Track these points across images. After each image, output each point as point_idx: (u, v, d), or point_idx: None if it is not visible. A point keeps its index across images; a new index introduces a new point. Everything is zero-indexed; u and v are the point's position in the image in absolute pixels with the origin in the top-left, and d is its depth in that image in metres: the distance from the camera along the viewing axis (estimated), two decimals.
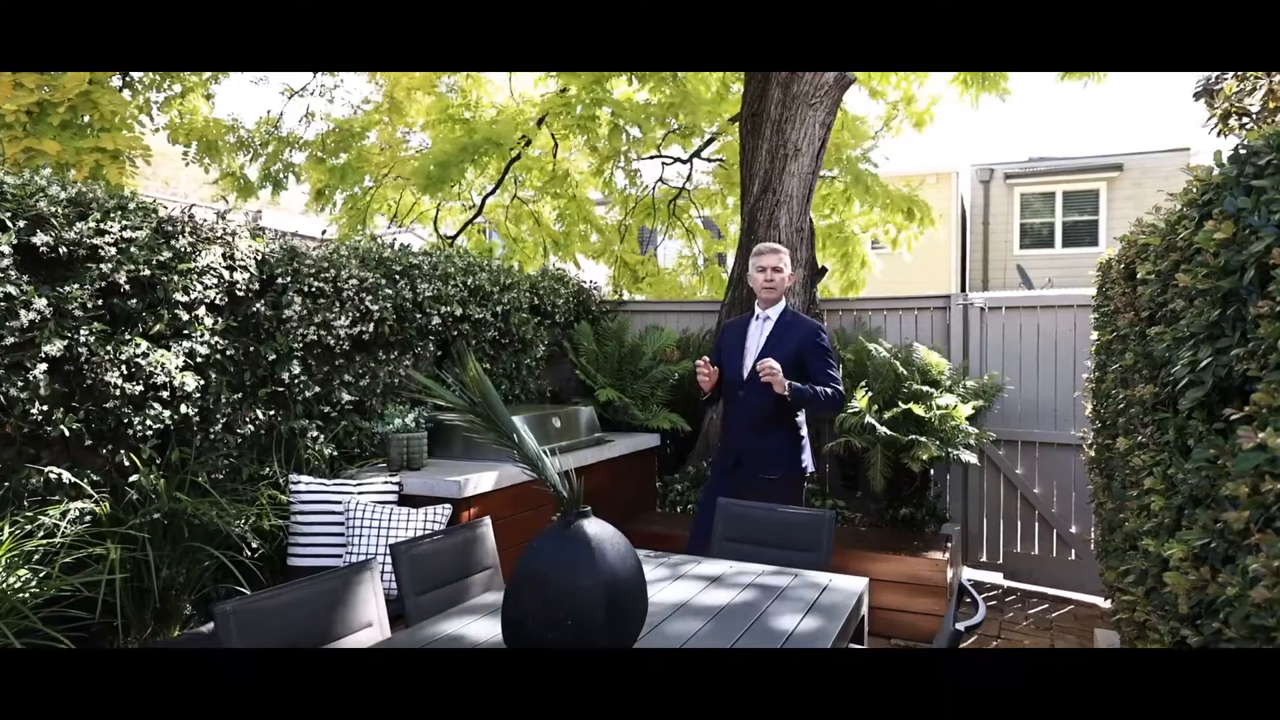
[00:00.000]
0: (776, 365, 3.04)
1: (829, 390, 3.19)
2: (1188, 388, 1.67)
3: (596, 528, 1.74)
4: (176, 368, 2.78)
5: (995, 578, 5.06)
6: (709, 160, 8.21)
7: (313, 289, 3.39)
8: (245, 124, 7.54)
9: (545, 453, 1.73)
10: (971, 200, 16.47)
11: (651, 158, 8.02)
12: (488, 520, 2.67)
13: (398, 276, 3.91)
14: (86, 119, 5.32)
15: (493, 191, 8.34)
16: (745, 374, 3.30)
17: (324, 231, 3.94)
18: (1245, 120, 4.18)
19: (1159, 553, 1.92)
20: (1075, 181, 15.70)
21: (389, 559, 2.77)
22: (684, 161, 8.00)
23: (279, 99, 7.60)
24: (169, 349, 2.81)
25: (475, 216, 8.56)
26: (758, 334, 3.34)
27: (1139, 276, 2.23)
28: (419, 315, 3.98)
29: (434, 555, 2.39)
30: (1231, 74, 4.21)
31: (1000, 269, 16.09)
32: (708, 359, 3.25)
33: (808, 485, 4.71)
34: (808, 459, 3.36)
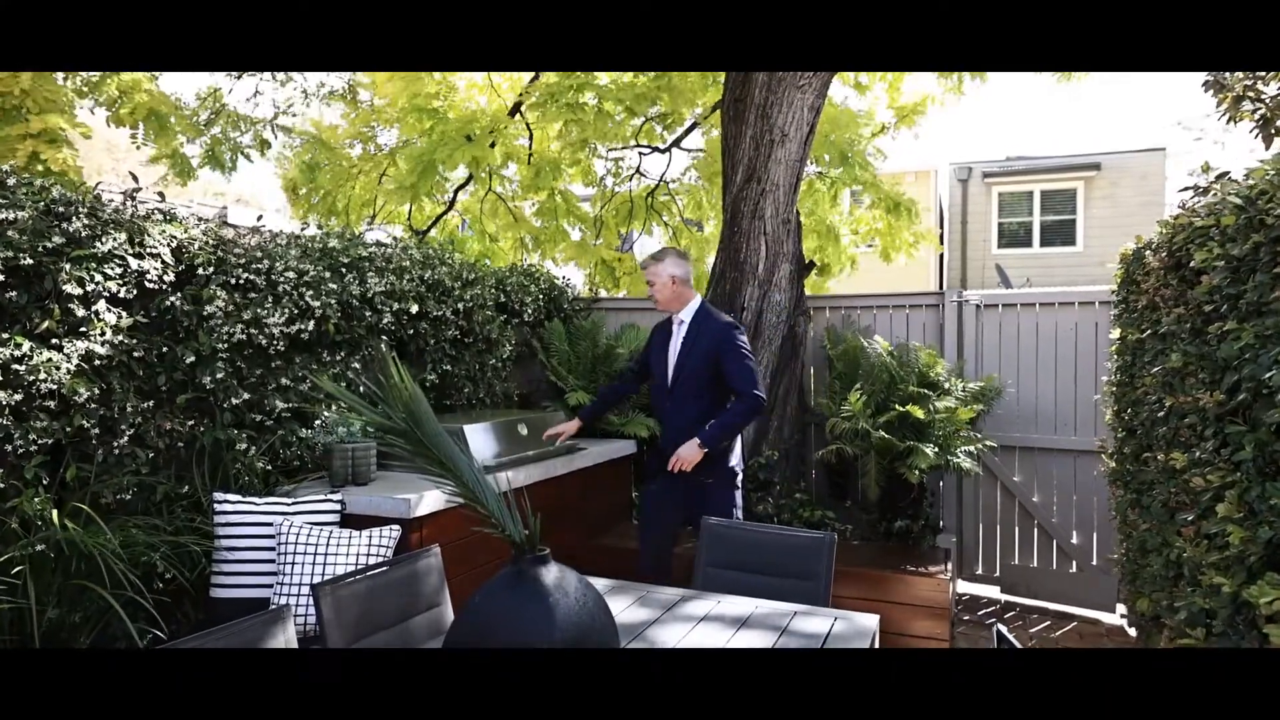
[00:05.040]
0: (682, 457, 3.11)
1: (738, 407, 3.16)
2: None
3: (556, 575, 1.37)
4: (67, 372, 2.36)
5: (992, 591, 4.77)
6: (688, 151, 7.86)
7: (242, 281, 2.98)
8: (188, 102, 7.02)
9: (490, 483, 1.36)
10: (950, 199, 16.32)
11: (627, 148, 7.65)
12: (436, 549, 2.29)
13: (344, 270, 3.51)
14: (16, 105, 4.82)
15: (464, 185, 7.91)
16: (670, 382, 3.31)
17: (260, 218, 3.53)
18: (1259, 107, 3.91)
19: (1237, 593, 1.60)
20: (1052, 181, 15.60)
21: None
22: (662, 151, 7.63)
23: (225, 80, 7.03)
24: (60, 350, 2.39)
25: (446, 211, 8.11)
26: (676, 339, 3.34)
27: (1194, 265, 1.92)
28: (369, 312, 3.58)
29: (368, 595, 2.01)
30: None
31: (979, 268, 15.94)
32: (559, 431, 3.70)
33: (797, 495, 4.41)
34: (737, 461, 3.35)
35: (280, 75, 7.22)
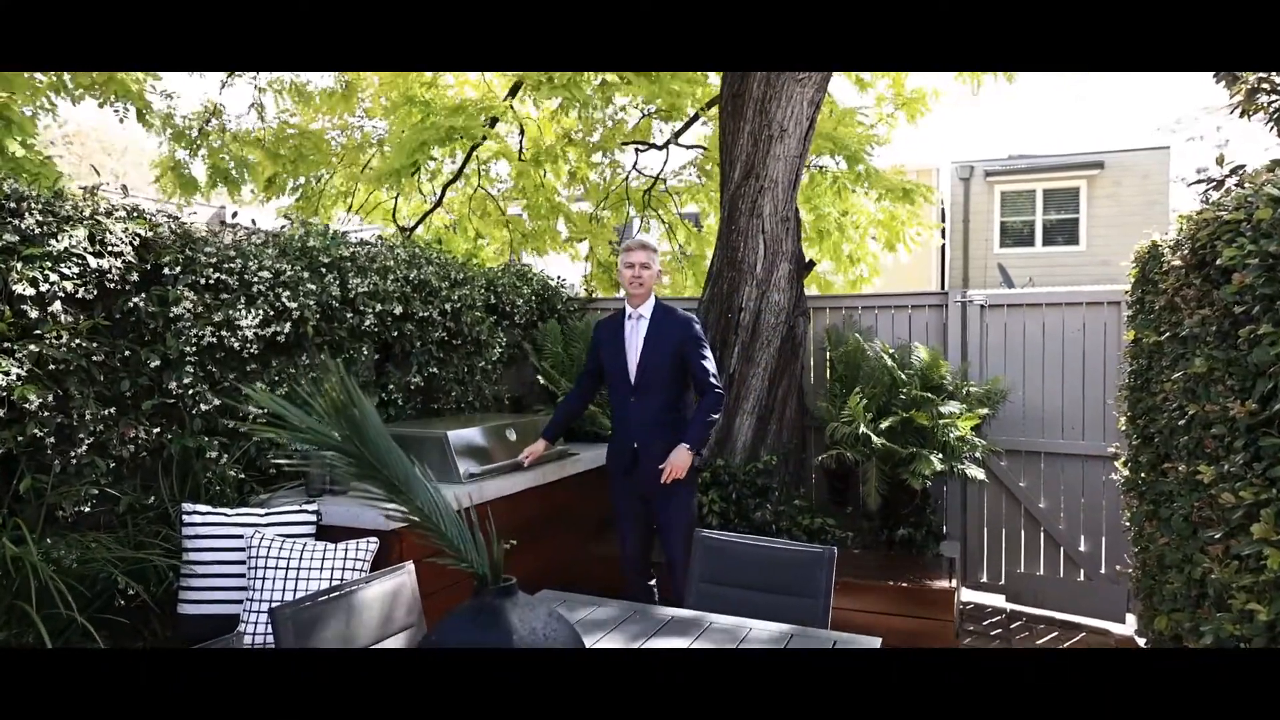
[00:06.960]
0: (676, 464, 3.08)
1: (708, 403, 3.18)
2: None
3: (521, 609, 1.23)
4: (18, 377, 2.22)
5: (997, 600, 4.63)
6: (687, 148, 7.71)
7: (212, 281, 2.84)
8: (182, 110, 6.87)
9: (451, 504, 1.22)
10: (951, 198, 16.15)
11: (627, 144, 7.49)
12: (409, 566, 2.15)
13: (325, 270, 3.37)
14: None
15: (453, 180, 7.76)
16: (632, 379, 3.25)
17: (234, 215, 3.40)
18: (1275, 98, 3.76)
19: (1274, 621, 1.46)
20: (1055, 179, 15.43)
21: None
22: (659, 148, 7.48)
23: (215, 87, 6.94)
24: (11, 354, 2.25)
25: (434, 208, 7.97)
26: (636, 335, 3.28)
27: (1221, 263, 1.78)
28: (350, 314, 3.44)
29: (332, 618, 1.87)
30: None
31: (981, 268, 15.77)
32: (528, 454, 3.50)
33: (796, 502, 4.28)
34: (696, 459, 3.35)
35: (278, 81, 7.07)
